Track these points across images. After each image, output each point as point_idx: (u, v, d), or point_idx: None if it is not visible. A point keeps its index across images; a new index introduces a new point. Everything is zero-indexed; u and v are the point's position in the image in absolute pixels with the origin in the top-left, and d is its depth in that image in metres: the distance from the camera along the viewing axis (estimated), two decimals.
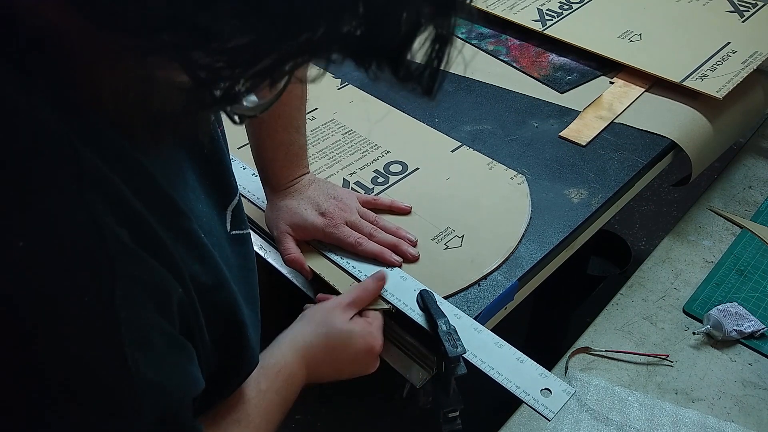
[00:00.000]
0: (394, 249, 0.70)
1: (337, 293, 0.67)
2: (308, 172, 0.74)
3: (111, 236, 0.34)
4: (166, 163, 0.42)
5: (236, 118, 0.34)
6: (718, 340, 0.78)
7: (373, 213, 0.73)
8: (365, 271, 0.67)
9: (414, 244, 0.71)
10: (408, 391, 0.66)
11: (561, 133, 0.88)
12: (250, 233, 0.54)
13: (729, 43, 0.98)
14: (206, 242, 0.44)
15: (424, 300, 0.62)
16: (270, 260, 0.72)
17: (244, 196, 0.74)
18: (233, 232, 0.51)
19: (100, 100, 0.34)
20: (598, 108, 0.93)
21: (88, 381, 0.35)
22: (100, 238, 0.34)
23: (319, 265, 0.69)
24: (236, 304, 0.48)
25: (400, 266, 0.69)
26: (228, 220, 0.51)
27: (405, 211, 0.76)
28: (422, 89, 0.33)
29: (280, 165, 0.71)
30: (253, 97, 0.34)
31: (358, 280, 0.67)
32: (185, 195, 0.44)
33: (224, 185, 0.50)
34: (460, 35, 1.10)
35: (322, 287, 0.69)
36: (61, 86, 0.33)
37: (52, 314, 0.33)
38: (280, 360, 0.58)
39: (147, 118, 0.36)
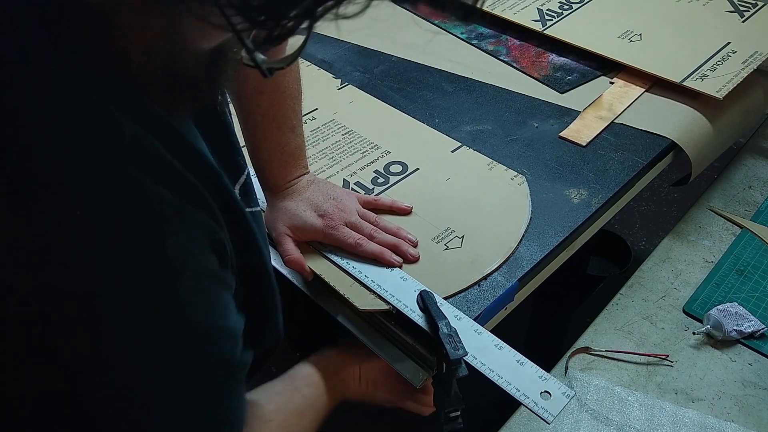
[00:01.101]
0: (395, 249, 0.70)
1: (337, 293, 0.67)
2: (307, 173, 0.74)
3: (156, 197, 0.35)
4: (189, 131, 0.43)
5: (266, 70, 0.35)
6: (718, 340, 0.78)
7: (373, 214, 0.73)
8: (365, 271, 0.67)
9: (414, 245, 0.71)
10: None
11: (561, 134, 0.89)
12: (261, 211, 0.55)
13: (729, 43, 0.98)
14: (239, 200, 0.45)
15: (425, 301, 0.62)
16: (284, 273, 0.72)
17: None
18: (245, 210, 0.52)
19: (129, 61, 0.35)
20: (598, 108, 0.93)
21: (148, 336, 0.35)
22: (146, 200, 0.35)
23: (319, 265, 0.69)
24: (266, 270, 0.49)
25: (400, 267, 0.69)
26: (238, 196, 0.51)
27: (405, 212, 0.76)
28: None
29: (277, 166, 0.71)
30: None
31: (359, 281, 0.67)
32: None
33: (234, 162, 0.51)
34: (460, 35, 1.10)
35: (323, 287, 0.69)
36: (92, 48, 0.34)
37: (107, 275, 0.34)
38: (306, 369, 0.63)
39: (172, 79, 0.37)
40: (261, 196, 0.75)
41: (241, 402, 0.45)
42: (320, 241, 0.70)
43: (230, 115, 0.52)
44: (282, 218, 0.71)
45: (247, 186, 0.53)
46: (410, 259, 0.70)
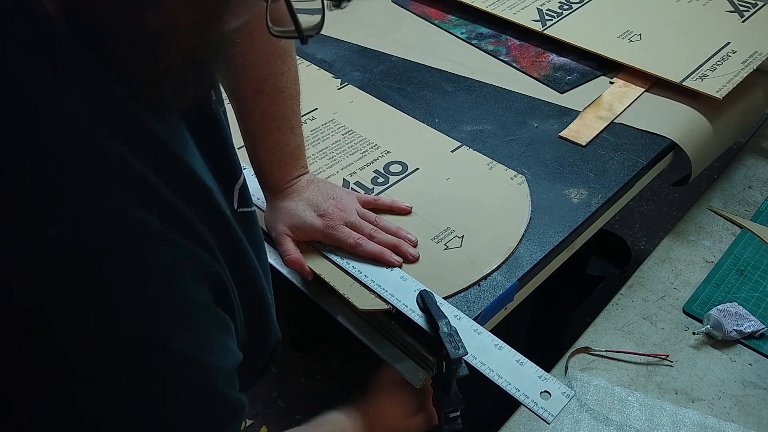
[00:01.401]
0: (395, 249, 0.70)
1: (337, 293, 0.67)
2: (307, 173, 0.74)
3: (138, 222, 0.35)
4: (180, 139, 0.43)
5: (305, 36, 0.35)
6: (718, 340, 0.78)
7: (373, 213, 0.73)
8: (365, 271, 0.67)
9: (414, 245, 0.71)
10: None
11: (561, 133, 0.88)
12: (255, 210, 0.55)
13: (729, 43, 0.98)
14: (229, 215, 0.44)
15: (424, 300, 0.62)
16: (270, 261, 0.72)
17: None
18: (240, 210, 0.52)
19: (115, 55, 0.35)
20: (598, 108, 0.93)
21: (124, 360, 0.35)
22: (126, 225, 0.35)
23: (319, 265, 0.69)
24: (257, 276, 0.49)
25: (400, 266, 0.69)
26: (235, 198, 0.51)
27: (405, 211, 0.76)
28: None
29: (277, 166, 0.71)
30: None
31: (359, 281, 0.67)
32: (201, 171, 0.45)
33: (229, 164, 0.51)
34: (460, 35, 1.10)
35: (323, 287, 0.69)
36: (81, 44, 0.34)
37: (83, 297, 0.33)
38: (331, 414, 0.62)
39: (187, 68, 0.36)
40: (261, 196, 0.75)
41: None
42: (320, 241, 0.70)
43: (226, 117, 0.52)
44: (282, 218, 0.70)
45: (244, 188, 0.53)
46: (410, 259, 0.70)
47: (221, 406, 0.40)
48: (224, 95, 0.57)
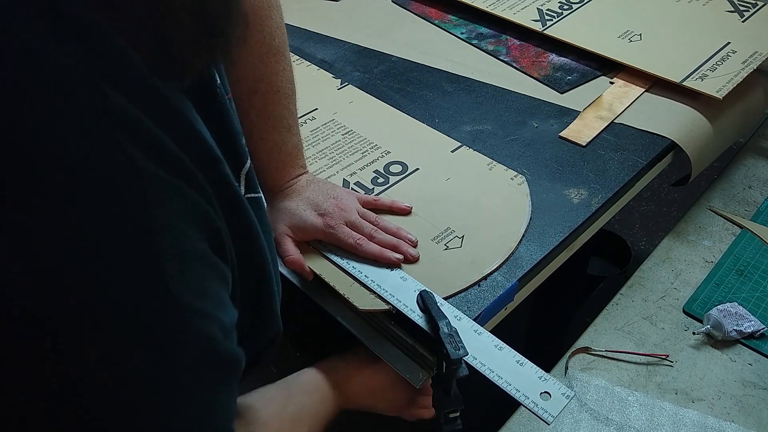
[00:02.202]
0: (395, 249, 0.70)
1: (338, 294, 0.67)
2: (306, 172, 0.74)
3: (143, 168, 0.35)
4: (190, 111, 0.42)
5: None
6: (718, 340, 0.78)
7: (373, 213, 0.73)
8: (365, 272, 0.67)
9: (414, 245, 0.71)
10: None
11: (561, 134, 0.88)
12: (262, 197, 0.55)
13: (729, 43, 0.98)
14: (239, 190, 0.44)
15: (425, 301, 0.62)
16: (284, 273, 0.72)
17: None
18: (248, 196, 0.51)
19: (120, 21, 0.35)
20: (598, 108, 0.93)
21: (131, 314, 0.35)
22: (132, 170, 0.35)
23: (319, 265, 0.69)
24: (265, 260, 0.48)
25: (400, 267, 0.69)
26: (242, 184, 0.51)
27: (405, 212, 0.76)
28: None
29: (275, 167, 0.71)
30: None
31: (359, 281, 0.67)
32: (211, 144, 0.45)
33: (236, 150, 0.51)
34: (460, 35, 1.10)
35: (323, 288, 0.69)
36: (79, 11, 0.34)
37: (88, 246, 0.34)
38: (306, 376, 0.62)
39: (196, 25, 0.36)
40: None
41: (233, 399, 0.43)
42: (320, 241, 0.70)
43: (232, 105, 0.51)
44: (282, 218, 0.70)
45: (251, 173, 0.53)
46: (410, 260, 0.70)
47: (223, 361, 0.40)
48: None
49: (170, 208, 0.36)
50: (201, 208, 0.39)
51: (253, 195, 0.53)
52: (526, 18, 1.08)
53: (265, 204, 0.73)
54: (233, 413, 0.43)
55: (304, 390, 0.63)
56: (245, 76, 0.67)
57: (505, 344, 0.62)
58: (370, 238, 0.69)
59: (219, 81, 0.49)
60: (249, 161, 0.53)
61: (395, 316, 0.65)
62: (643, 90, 0.95)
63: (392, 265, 0.68)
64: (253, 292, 0.48)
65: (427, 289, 0.65)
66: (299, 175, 0.73)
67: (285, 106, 0.70)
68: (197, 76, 0.40)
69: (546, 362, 0.65)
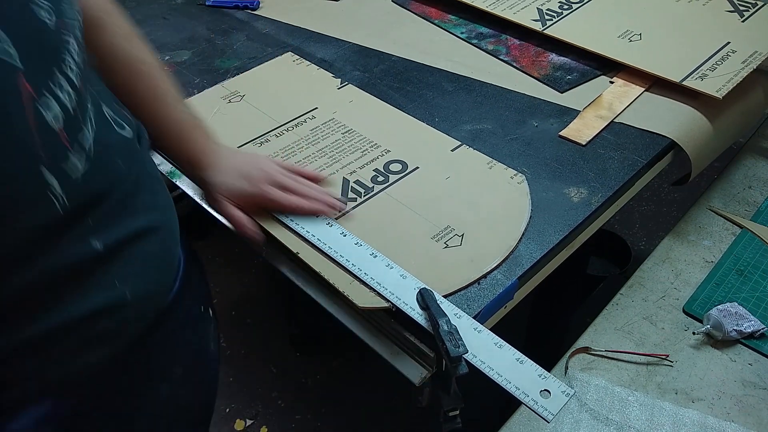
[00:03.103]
0: (326, 201, 0.73)
1: (337, 292, 0.67)
2: (221, 145, 0.75)
3: None
4: None
5: None
6: (718, 340, 0.78)
7: (294, 167, 0.77)
8: (365, 269, 0.67)
9: (344, 204, 0.76)
10: (427, 399, 0.66)
11: (561, 133, 0.88)
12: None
13: (729, 42, 0.98)
14: None
15: (424, 298, 0.62)
16: (284, 272, 0.72)
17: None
18: None
19: None
20: (598, 107, 0.93)
21: None
22: None
23: (318, 263, 0.69)
24: None
25: (340, 210, 0.75)
26: None
27: (316, 178, 0.78)
28: None
29: (186, 140, 0.72)
30: None
31: (358, 279, 0.67)
32: None
33: None
34: (460, 35, 1.10)
35: (322, 286, 0.69)
36: None
37: None
38: None
39: None
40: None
41: None
42: (257, 205, 0.73)
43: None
44: (219, 190, 0.72)
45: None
46: (338, 206, 0.74)
47: None
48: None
49: None
50: None
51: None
52: (526, 18, 1.08)
53: (200, 187, 0.76)
54: None
55: None
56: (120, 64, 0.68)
57: (504, 342, 0.61)
58: (293, 189, 0.73)
59: None
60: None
61: (395, 314, 0.65)
62: (643, 89, 0.95)
63: (319, 213, 0.73)
64: None
65: (426, 287, 0.65)
66: (215, 146, 0.74)
67: (160, 79, 0.71)
68: None
69: (546, 362, 0.65)
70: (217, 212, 0.74)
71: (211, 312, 0.72)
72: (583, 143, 0.87)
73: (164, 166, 0.84)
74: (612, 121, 0.90)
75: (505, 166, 0.82)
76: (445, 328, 0.58)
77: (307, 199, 0.73)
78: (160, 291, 0.59)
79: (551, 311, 1.19)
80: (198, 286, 0.69)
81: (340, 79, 0.99)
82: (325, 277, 0.68)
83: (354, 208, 0.77)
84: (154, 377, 0.61)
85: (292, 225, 0.73)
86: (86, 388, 0.54)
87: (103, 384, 0.56)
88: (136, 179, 0.55)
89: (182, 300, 0.62)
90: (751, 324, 0.78)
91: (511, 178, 0.81)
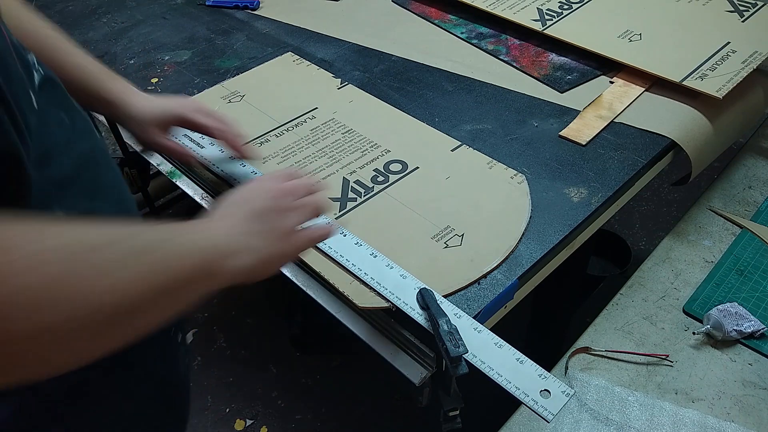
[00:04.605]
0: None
1: (338, 292, 0.67)
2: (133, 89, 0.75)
3: None
4: None
5: None
6: (718, 340, 0.78)
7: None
8: (365, 269, 0.67)
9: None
10: (427, 399, 0.66)
11: (561, 133, 0.88)
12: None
13: (729, 42, 0.98)
14: None
15: (425, 298, 0.62)
16: (285, 272, 0.72)
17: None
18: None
19: None
20: (598, 107, 0.93)
21: None
22: None
23: (318, 263, 0.69)
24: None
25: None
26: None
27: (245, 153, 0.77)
28: None
29: (103, 83, 0.72)
30: None
31: (359, 279, 0.67)
32: None
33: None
34: (460, 35, 1.10)
35: (322, 286, 0.69)
36: None
37: None
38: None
39: None
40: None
41: None
42: (185, 119, 0.74)
43: None
44: (146, 115, 0.73)
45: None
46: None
47: None
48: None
49: None
50: None
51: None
52: (526, 18, 1.08)
53: (123, 120, 0.74)
54: None
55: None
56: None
57: (504, 342, 0.61)
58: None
59: None
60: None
61: (395, 313, 0.65)
62: (643, 89, 0.95)
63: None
64: None
65: (427, 287, 0.65)
66: (132, 86, 0.74)
67: (55, 36, 0.69)
68: None
69: (546, 362, 0.65)
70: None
71: (180, 336, 0.66)
72: (583, 143, 0.87)
73: (164, 166, 0.84)
74: (612, 121, 0.90)
75: (505, 166, 0.82)
76: (445, 328, 0.58)
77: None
78: None
79: (551, 311, 1.19)
80: None
81: (340, 79, 0.99)
82: (326, 277, 0.68)
83: (354, 208, 0.77)
84: (118, 395, 0.57)
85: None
86: (43, 400, 0.50)
87: (61, 398, 0.51)
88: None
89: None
90: (751, 324, 0.78)
91: (512, 178, 0.81)
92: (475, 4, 1.13)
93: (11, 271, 0.33)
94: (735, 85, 0.90)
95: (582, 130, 0.89)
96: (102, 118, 0.87)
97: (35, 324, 0.34)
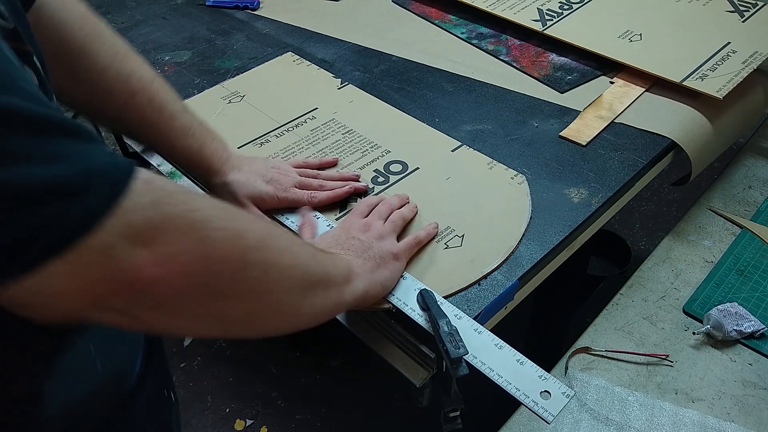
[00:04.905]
0: (348, 178, 0.78)
1: None
2: (232, 150, 0.75)
3: None
4: None
5: None
6: (718, 340, 0.78)
7: (311, 170, 0.80)
8: None
9: (357, 178, 0.79)
10: (427, 399, 0.66)
11: (561, 133, 0.88)
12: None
13: (729, 43, 0.98)
14: None
15: (425, 299, 0.62)
16: None
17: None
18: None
19: None
20: (599, 108, 0.93)
21: None
22: None
23: None
24: None
25: (360, 195, 0.77)
26: None
27: (332, 163, 0.82)
28: None
29: (199, 147, 0.70)
30: None
31: None
32: None
33: None
34: (460, 35, 1.10)
35: None
36: None
37: None
38: None
39: None
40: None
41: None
42: (276, 208, 0.74)
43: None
44: (238, 190, 0.72)
45: None
46: (360, 189, 0.77)
47: (44, 125, 0.35)
48: None
49: None
50: None
51: None
52: (526, 18, 1.08)
53: (210, 189, 0.74)
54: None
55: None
56: (116, 87, 0.64)
57: (505, 343, 0.62)
58: (320, 188, 0.76)
59: None
60: None
61: (395, 314, 0.65)
62: (643, 90, 0.95)
63: (349, 194, 0.76)
64: None
65: (427, 287, 0.65)
66: (227, 152, 0.73)
67: (161, 91, 0.67)
68: None
69: (546, 362, 0.65)
70: None
71: (173, 396, 0.67)
72: (584, 143, 0.87)
73: (165, 166, 0.84)
74: (612, 121, 0.90)
75: (506, 167, 0.82)
76: (446, 329, 0.58)
77: (330, 189, 0.76)
78: (126, 371, 0.56)
79: (551, 311, 1.19)
80: (160, 366, 0.63)
81: (340, 80, 0.99)
82: None
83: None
84: None
85: (292, 227, 0.73)
86: None
87: None
88: None
89: (145, 382, 0.58)
90: (751, 324, 0.78)
91: (512, 178, 0.81)
92: (475, 4, 1.13)
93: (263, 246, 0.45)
94: (735, 85, 0.90)
95: (582, 130, 0.89)
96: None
97: (277, 282, 0.46)
